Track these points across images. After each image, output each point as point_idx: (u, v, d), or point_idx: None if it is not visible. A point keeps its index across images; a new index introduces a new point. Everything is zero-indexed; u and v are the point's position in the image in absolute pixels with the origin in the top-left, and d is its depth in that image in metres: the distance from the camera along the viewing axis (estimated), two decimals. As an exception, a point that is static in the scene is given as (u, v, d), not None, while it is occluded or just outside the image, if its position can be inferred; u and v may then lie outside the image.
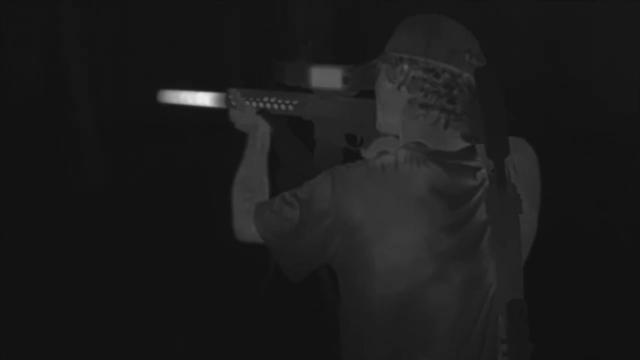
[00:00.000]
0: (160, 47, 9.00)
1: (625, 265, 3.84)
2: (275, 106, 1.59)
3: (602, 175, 5.48)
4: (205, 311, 3.48)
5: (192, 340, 3.28)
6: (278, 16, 7.50)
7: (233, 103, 1.62)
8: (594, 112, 6.50)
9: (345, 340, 1.31)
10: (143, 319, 3.43)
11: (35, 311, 3.51)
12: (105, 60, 8.67)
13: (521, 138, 1.29)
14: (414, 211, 1.16)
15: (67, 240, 4.48)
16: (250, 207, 1.33)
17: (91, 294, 3.68)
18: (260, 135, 1.55)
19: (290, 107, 1.58)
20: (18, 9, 8.24)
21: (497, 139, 1.14)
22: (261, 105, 1.60)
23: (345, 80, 1.50)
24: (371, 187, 1.17)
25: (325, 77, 1.52)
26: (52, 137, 6.80)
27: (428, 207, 1.16)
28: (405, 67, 1.23)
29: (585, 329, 3.18)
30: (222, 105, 1.66)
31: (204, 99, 1.69)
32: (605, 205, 4.96)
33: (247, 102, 1.61)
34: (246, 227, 1.32)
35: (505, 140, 1.15)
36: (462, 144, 1.24)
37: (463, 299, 1.19)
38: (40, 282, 3.85)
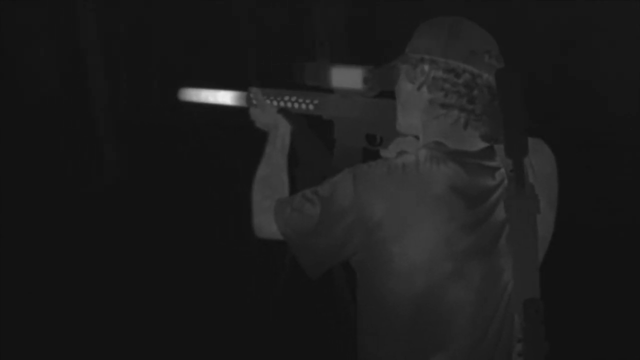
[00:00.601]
0: (179, 46, 9.05)
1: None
2: (296, 105, 1.60)
3: (606, 176, 5.48)
4: (220, 309, 3.50)
5: (209, 338, 3.30)
6: (296, 17, 7.51)
7: (254, 102, 1.63)
8: (595, 112, 6.49)
9: (363, 338, 1.32)
10: (158, 315, 3.46)
11: (48, 306, 3.55)
12: (122, 59, 8.73)
13: (539, 139, 1.30)
14: (434, 210, 1.16)
15: (82, 238, 4.53)
16: (270, 204, 1.34)
17: (106, 292, 3.72)
18: (281, 133, 1.56)
19: (311, 107, 1.59)
20: (35, 7, 8.32)
21: (516, 139, 1.15)
22: (282, 104, 1.61)
23: (365, 80, 1.50)
24: (392, 186, 1.18)
25: (346, 77, 1.53)
26: (69, 135, 6.86)
27: (447, 206, 1.17)
28: (426, 67, 1.24)
29: (599, 328, 3.18)
30: (243, 104, 1.67)
31: (225, 97, 1.70)
32: (614, 206, 4.96)
33: (268, 101, 1.62)
34: (266, 224, 1.33)
35: (525, 140, 1.16)
36: (481, 144, 1.25)
37: (480, 298, 1.20)
38: (56, 278, 3.89)
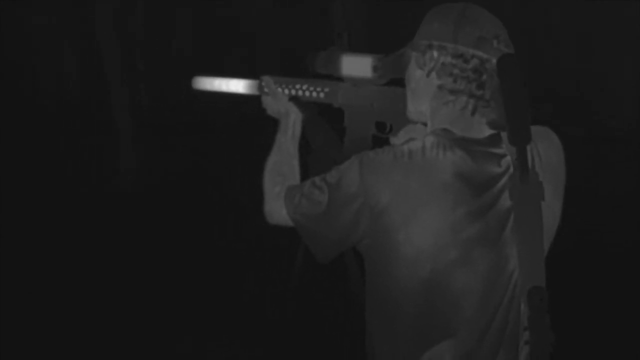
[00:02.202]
0: (198, 48, 9.08)
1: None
2: (307, 93, 1.62)
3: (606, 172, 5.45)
4: (238, 311, 3.52)
5: (224, 337, 3.33)
6: (314, 8, 7.51)
7: (266, 90, 1.66)
8: (595, 112, 6.45)
9: (371, 326, 1.33)
10: (173, 316, 3.49)
11: (63, 306, 3.59)
12: (141, 61, 8.78)
13: (546, 127, 1.30)
14: (439, 196, 1.17)
15: (100, 239, 4.55)
16: (281, 190, 1.37)
17: (123, 293, 3.75)
18: (292, 121, 1.58)
19: (322, 95, 1.61)
20: (53, 9, 8.41)
21: (519, 126, 1.15)
22: (293, 92, 1.63)
23: (375, 68, 1.52)
24: (398, 173, 1.19)
25: (356, 66, 1.55)
26: (87, 137, 6.91)
27: (453, 193, 1.17)
28: (435, 53, 1.24)
29: (604, 321, 3.18)
30: (255, 92, 1.70)
31: (237, 85, 1.72)
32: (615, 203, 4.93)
33: (280, 90, 1.64)
34: (277, 209, 1.36)
35: (527, 127, 1.16)
36: (488, 131, 1.24)
37: (487, 285, 1.21)
38: (73, 280, 3.91)
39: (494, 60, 1.21)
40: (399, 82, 1.52)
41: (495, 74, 1.22)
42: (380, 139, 1.59)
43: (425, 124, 1.39)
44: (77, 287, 3.78)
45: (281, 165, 1.48)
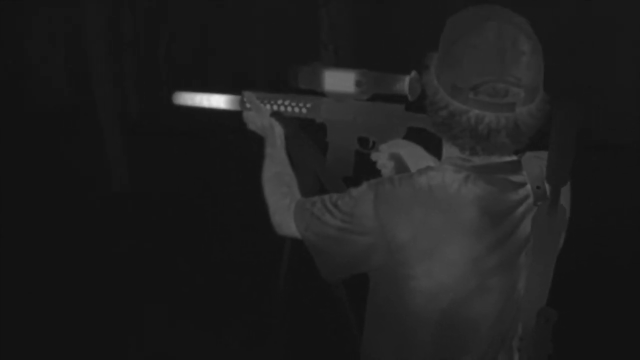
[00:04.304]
0: (187, 52, 9.09)
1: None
2: (289, 109, 1.61)
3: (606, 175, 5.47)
4: (230, 315, 3.52)
5: (216, 340, 3.31)
6: (302, 20, 7.53)
7: (248, 105, 1.64)
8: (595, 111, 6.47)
9: (378, 348, 1.31)
10: (164, 319, 3.49)
11: (51, 310, 3.57)
12: (131, 66, 8.78)
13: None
14: (462, 232, 1.14)
15: (90, 244, 4.54)
16: (290, 203, 1.34)
17: (112, 297, 3.75)
18: (278, 133, 1.57)
19: (304, 110, 1.60)
20: (42, 10, 8.39)
21: (560, 169, 1.10)
22: (275, 107, 1.62)
23: (358, 84, 1.51)
24: (419, 209, 1.14)
25: (339, 81, 1.53)
26: (76, 141, 6.90)
27: (475, 227, 1.14)
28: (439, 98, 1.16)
29: (601, 329, 3.19)
30: (237, 108, 1.68)
31: (218, 101, 1.71)
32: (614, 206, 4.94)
33: (262, 105, 1.63)
34: (287, 223, 1.33)
35: (568, 171, 1.11)
36: (508, 157, 1.20)
37: (500, 307, 1.21)
38: (62, 284, 3.91)
39: (473, 112, 1.11)
40: (381, 97, 1.51)
41: (503, 128, 1.12)
42: (364, 155, 1.58)
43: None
44: (67, 291, 3.77)
45: (282, 176, 1.46)
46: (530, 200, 1.17)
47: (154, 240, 4.59)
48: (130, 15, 8.81)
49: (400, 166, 1.54)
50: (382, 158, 1.55)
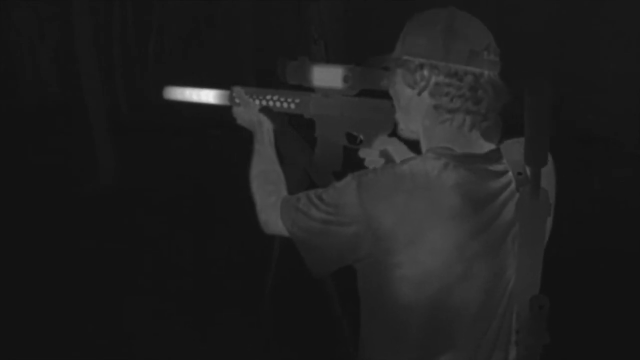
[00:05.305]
0: (175, 48, 9.06)
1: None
2: (278, 104, 1.62)
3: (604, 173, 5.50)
4: (217, 311, 3.52)
5: (205, 340, 3.31)
6: (292, 15, 7.52)
7: (237, 100, 1.65)
8: (595, 110, 6.51)
9: (371, 339, 1.31)
10: (152, 317, 3.47)
11: (40, 307, 3.55)
12: (119, 61, 8.74)
13: None
14: (444, 217, 1.15)
15: (77, 239, 4.52)
16: (276, 201, 1.34)
17: (100, 294, 3.73)
18: (266, 129, 1.58)
19: (292, 105, 1.61)
20: (30, 10, 8.34)
21: (538, 149, 1.11)
22: (264, 103, 1.62)
23: (346, 79, 1.51)
24: (401, 195, 1.15)
25: (326, 76, 1.54)
26: (64, 137, 6.87)
27: (457, 212, 1.15)
28: (426, 73, 1.21)
29: (598, 324, 3.20)
30: (226, 103, 1.69)
31: (208, 96, 1.71)
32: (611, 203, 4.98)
33: (251, 100, 1.63)
34: (273, 220, 1.33)
35: (546, 151, 1.12)
36: (487, 146, 1.23)
37: (485, 294, 1.21)
38: (49, 280, 3.90)
39: (487, 73, 1.20)
40: (369, 93, 1.52)
41: (490, 87, 1.20)
42: (352, 150, 1.59)
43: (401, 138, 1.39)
44: (57, 289, 3.75)
45: (269, 174, 1.46)
46: (512, 186, 1.18)
47: (141, 236, 4.56)
48: (119, 10, 8.77)
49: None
50: (371, 155, 1.55)
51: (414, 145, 1.46)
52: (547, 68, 6.43)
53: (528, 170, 1.15)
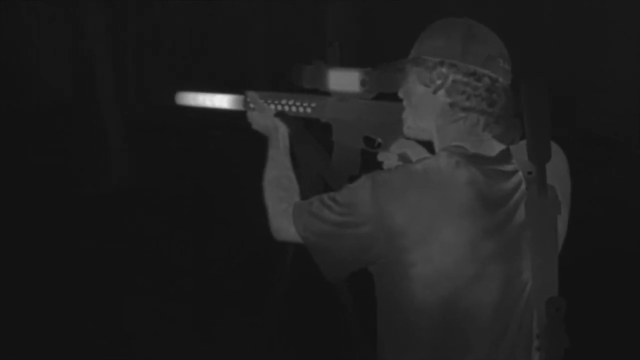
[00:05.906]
0: (188, 49, 9.09)
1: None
2: (294, 108, 1.60)
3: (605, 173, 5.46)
4: (228, 313, 3.48)
5: (213, 342, 3.30)
6: (306, 19, 7.52)
7: (251, 105, 1.63)
8: (597, 112, 6.46)
9: (386, 341, 1.31)
10: (161, 318, 3.44)
11: (50, 306, 3.53)
12: (132, 61, 8.78)
13: (553, 142, 1.29)
14: (457, 215, 1.16)
15: (89, 239, 4.49)
16: (287, 207, 1.34)
17: (111, 294, 3.71)
18: (282, 135, 1.56)
19: (308, 110, 1.59)
20: (43, 12, 8.41)
21: (540, 145, 1.15)
22: (279, 107, 1.61)
23: (363, 83, 1.50)
24: (413, 194, 1.16)
25: (343, 80, 1.53)
26: (77, 137, 6.90)
27: (470, 211, 1.16)
28: (444, 70, 1.23)
29: (611, 324, 3.17)
30: (240, 108, 1.67)
31: (221, 101, 1.70)
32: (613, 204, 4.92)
33: (266, 105, 1.62)
34: (285, 227, 1.33)
35: (548, 146, 1.15)
36: (498, 147, 1.24)
37: (500, 297, 1.21)
38: (61, 280, 3.87)
39: (501, 79, 1.22)
40: (386, 96, 1.49)
41: (503, 92, 1.22)
42: (370, 153, 1.56)
43: (418, 141, 1.38)
44: (57, 289, 3.72)
45: (281, 180, 1.45)
46: (523, 187, 1.19)
47: (141, 236, 4.53)
48: (133, 14, 8.81)
49: None
50: (390, 158, 1.54)
51: (430, 148, 1.44)
52: (547, 68, 6.38)
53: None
